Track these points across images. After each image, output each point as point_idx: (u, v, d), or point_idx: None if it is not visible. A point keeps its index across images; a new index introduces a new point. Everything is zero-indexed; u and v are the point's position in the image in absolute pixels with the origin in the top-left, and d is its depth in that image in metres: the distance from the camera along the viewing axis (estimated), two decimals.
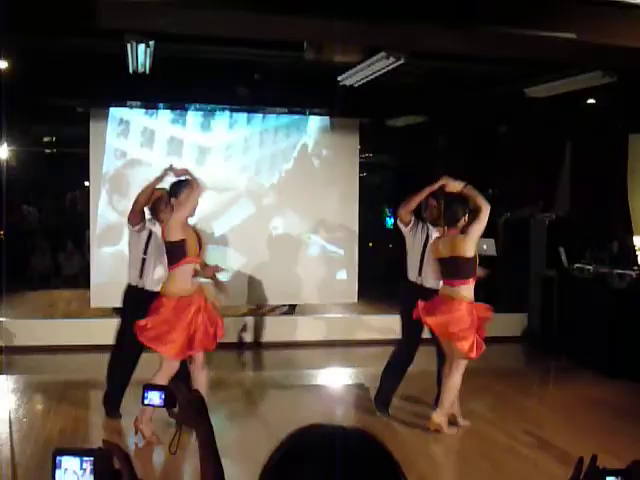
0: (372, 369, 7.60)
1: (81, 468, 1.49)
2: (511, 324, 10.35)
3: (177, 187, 5.82)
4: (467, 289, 6.16)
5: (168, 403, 1.97)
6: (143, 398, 1.99)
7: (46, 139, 14.60)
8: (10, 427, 6.02)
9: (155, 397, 1.98)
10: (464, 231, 6.17)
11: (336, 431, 1.29)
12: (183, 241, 5.66)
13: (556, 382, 8.61)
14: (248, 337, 9.83)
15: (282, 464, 1.26)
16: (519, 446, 6.03)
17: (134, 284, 6.42)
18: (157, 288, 6.03)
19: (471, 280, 6.18)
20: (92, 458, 1.50)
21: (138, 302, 6.14)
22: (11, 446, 5.60)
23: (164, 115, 10.40)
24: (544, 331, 9.85)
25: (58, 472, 1.50)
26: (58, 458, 1.50)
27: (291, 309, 10.88)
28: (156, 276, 6.25)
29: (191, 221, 5.95)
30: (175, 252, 5.72)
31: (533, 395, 7.79)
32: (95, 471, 1.50)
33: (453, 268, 6.18)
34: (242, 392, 7.74)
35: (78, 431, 6.17)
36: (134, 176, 10.02)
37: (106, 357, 6.66)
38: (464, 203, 6.29)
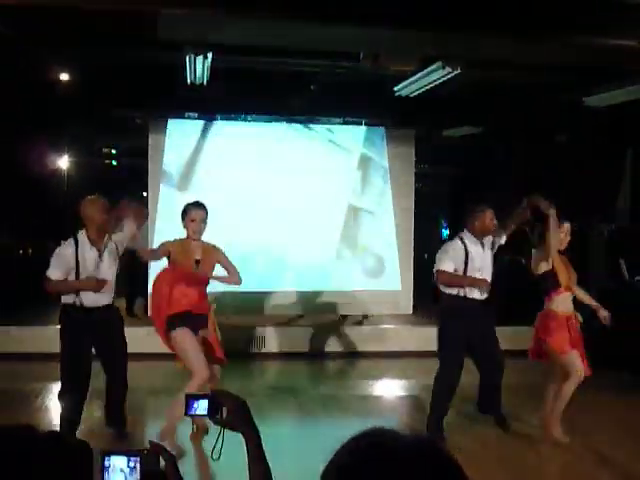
0: (425, 381, 7.48)
1: (128, 466, 1.52)
2: None
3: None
4: None
5: (212, 411, 1.90)
6: (187, 409, 1.91)
7: (105, 150, 14.84)
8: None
9: (200, 406, 1.90)
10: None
11: (397, 437, 1.24)
12: None
13: (623, 397, 8.21)
14: (305, 347, 9.86)
15: (341, 470, 1.23)
16: None
17: None
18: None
19: None
20: (138, 458, 1.52)
21: None
22: None
23: (221, 126, 10.51)
24: (603, 346, 9.56)
25: (106, 471, 1.52)
26: (106, 458, 1.53)
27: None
28: None
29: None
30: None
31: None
32: (141, 471, 1.52)
33: None
34: (295, 401, 7.73)
35: None
36: (191, 186, 10.16)
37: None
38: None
